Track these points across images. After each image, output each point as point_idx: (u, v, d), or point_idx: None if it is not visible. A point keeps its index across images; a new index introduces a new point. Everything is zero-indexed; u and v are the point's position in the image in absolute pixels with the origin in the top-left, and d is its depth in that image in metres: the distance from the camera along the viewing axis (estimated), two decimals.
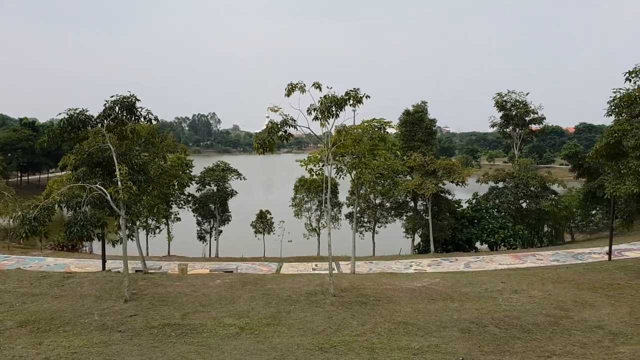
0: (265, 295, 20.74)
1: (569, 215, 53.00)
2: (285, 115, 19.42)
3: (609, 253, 31.78)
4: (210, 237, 45.84)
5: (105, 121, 20.09)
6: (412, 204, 44.23)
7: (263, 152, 19.67)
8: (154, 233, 43.70)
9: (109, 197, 19.00)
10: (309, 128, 19.70)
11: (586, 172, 51.24)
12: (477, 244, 45.17)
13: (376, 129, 26.08)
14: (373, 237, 44.47)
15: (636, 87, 23.33)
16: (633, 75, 23.23)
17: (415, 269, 30.52)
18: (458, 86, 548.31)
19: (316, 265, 32.36)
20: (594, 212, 54.01)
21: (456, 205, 45.46)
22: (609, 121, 25.41)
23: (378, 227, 45.09)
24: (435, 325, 16.75)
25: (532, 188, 46.75)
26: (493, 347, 14.83)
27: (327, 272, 21.14)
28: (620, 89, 23.91)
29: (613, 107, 24.29)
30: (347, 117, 20.42)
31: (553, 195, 48.65)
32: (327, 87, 19.25)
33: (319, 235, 43.18)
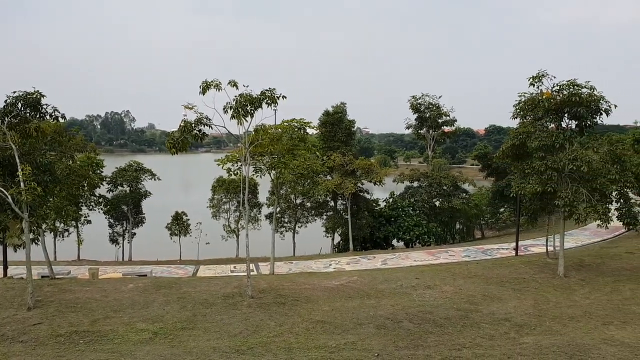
0: (181, 298, 20.15)
1: (479, 213, 55.65)
2: (200, 114, 18.95)
3: (516, 249, 33.63)
4: (123, 240, 44.02)
5: (6, 118, 18.76)
6: (332, 203, 44.69)
7: (176, 151, 19.10)
8: (63, 236, 41.38)
9: (10, 199, 17.74)
10: (224, 127, 19.35)
11: (495, 171, 54.01)
12: (394, 242, 46.40)
13: (296, 129, 26.06)
14: (293, 237, 44.49)
15: (539, 91, 24.62)
16: (536, 80, 24.47)
17: (334, 268, 30.81)
18: (379, 87, 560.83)
19: (235, 267, 31.89)
20: (502, 209, 57.03)
21: (374, 204, 46.47)
22: (515, 123, 26.65)
23: (298, 227, 45.18)
24: (352, 323, 16.95)
25: (444, 187, 48.62)
26: (407, 342, 15.20)
27: (246, 273, 20.87)
28: (524, 93, 25.09)
29: (518, 110, 25.41)
30: (266, 116, 20.14)
31: (464, 194, 50.86)
32: (244, 86, 18.98)
33: (238, 236, 42.62)
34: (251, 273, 22.98)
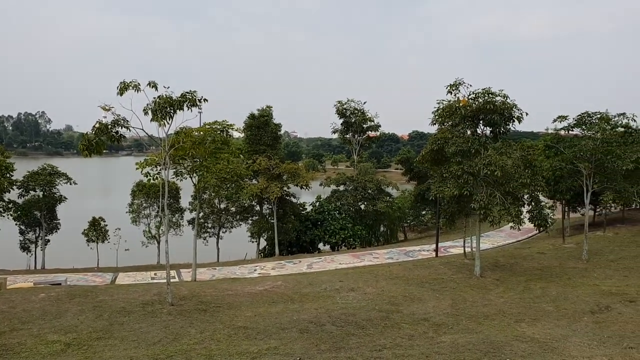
0: (97, 307, 19.23)
1: (402, 216, 57.12)
2: (117, 115, 18.19)
3: (436, 250, 34.70)
4: (36, 248, 41.58)
5: None
6: (257, 207, 44.31)
7: (89, 154, 18.23)
8: None
9: None
10: (143, 129, 18.68)
11: (416, 175, 55.67)
12: (321, 245, 46.67)
13: (219, 132, 25.59)
14: (217, 242, 43.71)
15: (456, 99, 25.49)
16: (453, 88, 25.33)
17: (259, 273, 30.53)
18: (307, 92, 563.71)
19: (155, 274, 30.92)
20: (423, 212, 58.85)
21: (301, 208, 46.55)
22: (434, 129, 27.41)
23: (223, 232, 44.44)
24: (275, 328, 16.77)
25: (370, 191, 49.52)
26: (329, 344, 15.21)
27: (167, 280, 20.23)
28: (443, 100, 25.92)
29: (437, 117, 26.17)
30: (188, 118, 19.58)
31: (388, 197, 52.02)
32: (164, 87, 18.41)
33: (158, 242, 41.36)
34: (172, 280, 22.34)
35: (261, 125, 44.70)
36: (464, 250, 32.69)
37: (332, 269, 30.61)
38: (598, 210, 47.17)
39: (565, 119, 30.58)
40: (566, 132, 32.04)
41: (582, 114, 30.29)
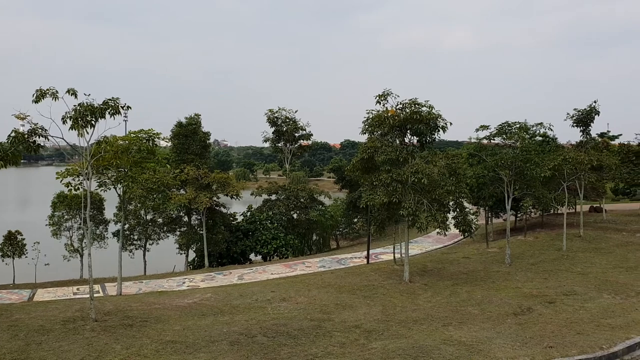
0: (12, 327, 18.04)
1: (334, 224, 57.55)
2: (35, 124, 17.26)
3: (367, 257, 35.12)
4: None
5: None
6: (186, 218, 43.25)
7: (5, 165, 17.18)
8: None
9: None
10: (63, 138, 17.80)
11: (348, 184, 56.23)
12: (252, 256, 46.14)
13: (145, 141, 24.79)
14: (144, 255, 42.26)
15: (385, 108, 26.03)
16: (382, 98, 25.86)
17: (188, 286, 29.73)
18: (238, 100, 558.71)
19: (78, 289, 29.41)
20: (355, 220, 59.51)
21: (231, 218, 45.84)
22: (364, 138, 27.86)
23: (150, 244, 43.04)
24: (205, 341, 16.36)
25: (302, 199, 49.55)
26: (260, 356, 14.99)
27: (89, 295, 19.28)
28: (372, 110, 26.40)
29: (367, 126, 26.63)
30: (111, 126, 18.80)
31: (321, 206, 52.26)
32: (85, 94, 17.64)
33: (81, 256, 39.49)
34: (96, 295, 21.35)
35: (189, 134, 43.79)
36: (394, 256, 33.27)
37: (263, 280, 30.29)
38: (519, 215, 49.39)
39: (487, 128, 31.90)
40: (488, 141, 33.41)
41: (503, 123, 31.67)
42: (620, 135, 68.84)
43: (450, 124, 25.91)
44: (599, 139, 55.98)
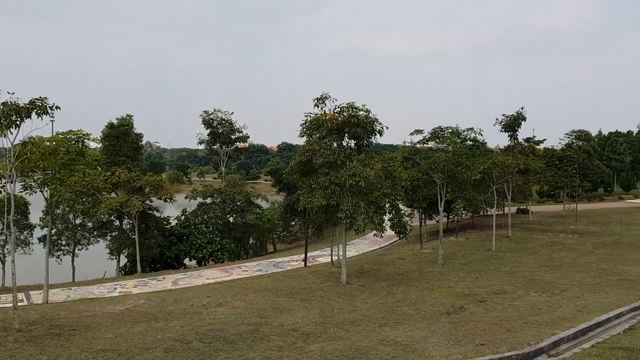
0: None
1: (272, 227, 57.31)
2: None
3: (305, 260, 35.16)
4: None
5: None
6: (117, 223, 41.76)
7: None
8: None
9: None
10: None
11: (286, 187, 56.25)
12: (186, 261, 45.15)
13: (73, 142, 23.74)
14: (73, 260, 40.43)
15: (323, 112, 26.18)
16: (320, 102, 26.01)
17: (120, 292, 28.70)
18: (171, 101, 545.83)
19: (0, 298, 27.76)
20: (293, 223, 59.51)
21: (165, 223, 44.66)
22: (303, 141, 27.91)
23: (79, 249, 41.22)
24: (138, 349, 15.81)
25: (238, 203, 48.99)
26: None
27: (12, 304, 18.20)
28: (310, 113, 26.51)
29: (305, 129, 26.72)
30: (37, 127, 17.84)
31: (257, 209, 51.85)
32: (8, 93, 16.69)
33: (3, 263, 37.26)
34: (20, 303, 20.21)
35: (121, 135, 42.33)
36: (332, 258, 33.49)
37: (199, 285, 29.68)
38: (451, 217, 50.98)
39: (421, 132, 32.74)
40: (422, 144, 34.29)
41: (436, 128, 32.61)
42: (545, 140, 72.45)
43: (387, 127, 26.42)
44: (526, 144, 58.63)
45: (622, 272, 29.32)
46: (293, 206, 50.75)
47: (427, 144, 33.79)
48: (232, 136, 51.97)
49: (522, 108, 42.52)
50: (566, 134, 60.90)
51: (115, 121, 42.78)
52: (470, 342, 16.49)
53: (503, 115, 43.49)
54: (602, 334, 17.53)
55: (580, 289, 24.96)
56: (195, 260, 44.40)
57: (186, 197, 51.58)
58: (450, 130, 32.40)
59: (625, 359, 13.98)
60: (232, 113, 51.70)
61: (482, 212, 50.92)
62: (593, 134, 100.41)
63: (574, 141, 60.12)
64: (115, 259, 41.64)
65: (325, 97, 25.83)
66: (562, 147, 60.38)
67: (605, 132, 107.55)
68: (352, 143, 26.86)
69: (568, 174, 59.22)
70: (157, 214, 43.56)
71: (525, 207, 63.22)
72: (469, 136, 34.50)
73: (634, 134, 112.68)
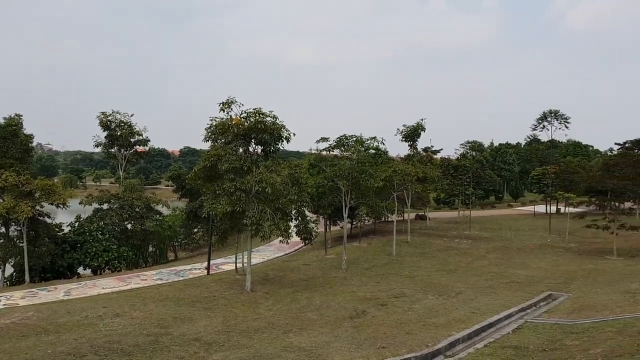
0: None
1: (173, 234, 55.54)
2: None
3: (208, 268, 34.36)
4: None
5: None
6: (3, 229, 38.58)
7: None
8: None
9: None
10: None
11: (188, 192, 54.74)
12: (81, 270, 42.62)
13: None
14: None
15: (229, 117, 25.80)
16: (226, 106, 25.63)
17: (5, 304, 26.47)
18: (66, 101, 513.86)
19: None
20: (195, 230, 58.06)
21: (57, 229, 41.90)
22: (207, 146, 27.25)
23: None
24: None
25: (137, 209, 47.06)
26: None
27: None
28: (216, 117, 26.01)
29: (210, 134, 26.13)
30: None
31: (158, 216, 50.07)
32: None
33: None
34: None
35: (8, 136, 39.30)
36: (236, 266, 33.04)
37: (94, 295, 28.08)
38: (354, 223, 52.14)
39: (327, 140, 33.30)
40: (328, 152, 34.86)
41: (341, 136, 33.30)
42: (442, 149, 76.34)
43: (294, 134, 26.54)
44: (424, 153, 61.41)
45: (512, 275, 31.42)
46: (196, 212, 49.56)
47: (333, 151, 34.39)
48: (132, 139, 49.88)
49: (422, 119, 44.53)
50: (461, 144, 64.60)
51: (1, 120, 39.68)
52: (372, 345, 16.88)
53: (404, 125, 45.35)
54: (494, 334, 18.58)
55: (474, 291, 26.40)
56: (91, 269, 42.00)
57: (81, 203, 48.75)
58: (354, 139, 33.19)
59: (514, 356, 14.92)
60: (131, 115, 49.71)
61: (383, 218, 52.53)
62: (485, 145, 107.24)
63: (469, 151, 63.78)
64: (1, 268, 38.46)
65: (232, 101, 25.52)
66: (457, 157, 63.87)
67: (496, 144, 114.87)
68: (259, 149, 26.67)
69: (462, 183, 62.72)
70: (49, 220, 40.76)
71: (423, 213, 66.05)
72: (372, 145, 35.50)
73: (522, 146, 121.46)
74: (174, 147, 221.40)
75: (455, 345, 17.42)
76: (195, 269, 37.18)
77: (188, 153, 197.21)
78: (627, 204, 50.57)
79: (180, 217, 56.82)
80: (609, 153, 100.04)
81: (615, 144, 69.31)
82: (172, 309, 21.95)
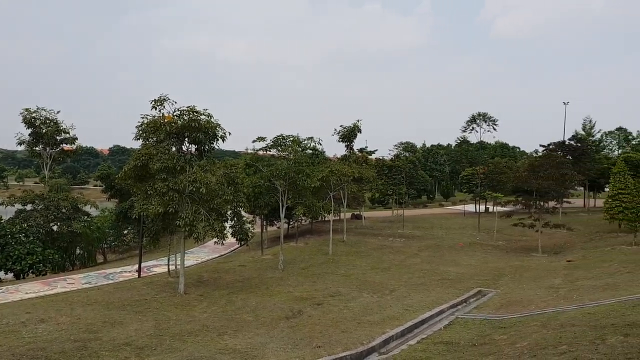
0: None
1: (101, 236, 53.60)
2: None
3: (139, 270, 33.32)
4: None
5: None
6: None
7: None
8: None
9: None
10: None
11: (118, 193, 53.01)
12: (1, 274, 40.35)
13: None
14: None
15: (161, 114, 25.05)
16: (158, 103, 24.87)
17: None
18: None
19: None
20: (125, 231, 56.30)
21: None
22: (138, 145, 26.34)
23: None
24: None
25: (63, 210, 45.08)
26: None
27: None
28: (147, 115, 25.14)
29: (141, 132, 25.24)
30: None
31: (86, 217, 48.17)
32: None
33: None
34: None
35: None
36: (168, 268, 32.19)
37: (16, 300, 26.57)
38: (291, 223, 52.10)
39: (264, 140, 33.06)
40: (264, 152, 34.62)
41: (278, 136, 33.16)
42: (376, 150, 77.71)
43: (229, 133, 26.11)
44: (360, 154, 62.22)
45: (443, 272, 32.34)
46: (126, 213, 48.02)
47: (270, 151, 34.20)
48: (58, 137, 47.72)
49: (358, 120, 45.08)
50: (395, 145, 65.95)
51: None
52: (308, 345, 16.88)
53: (341, 126, 45.76)
54: (426, 330, 19.04)
55: (407, 288, 26.97)
56: (13, 273, 39.83)
57: (2, 204, 46.17)
58: (291, 139, 33.14)
59: (446, 352, 15.31)
60: (58, 112, 47.57)
61: (320, 218, 52.82)
62: (418, 146, 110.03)
63: (402, 152, 65.20)
64: None
65: (164, 99, 24.79)
66: (392, 158, 65.15)
67: (428, 145, 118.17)
68: (193, 148, 26.07)
69: (396, 182, 64.02)
70: None
71: (358, 212, 66.97)
72: (309, 145, 35.59)
73: (453, 147, 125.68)
74: (103, 145, 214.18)
75: (389, 342, 17.71)
76: (125, 271, 35.98)
77: (118, 152, 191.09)
78: (551, 203, 53.21)
79: (109, 218, 54.91)
80: (534, 154, 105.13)
81: (540, 145, 73.10)
82: (101, 313, 21.09)
